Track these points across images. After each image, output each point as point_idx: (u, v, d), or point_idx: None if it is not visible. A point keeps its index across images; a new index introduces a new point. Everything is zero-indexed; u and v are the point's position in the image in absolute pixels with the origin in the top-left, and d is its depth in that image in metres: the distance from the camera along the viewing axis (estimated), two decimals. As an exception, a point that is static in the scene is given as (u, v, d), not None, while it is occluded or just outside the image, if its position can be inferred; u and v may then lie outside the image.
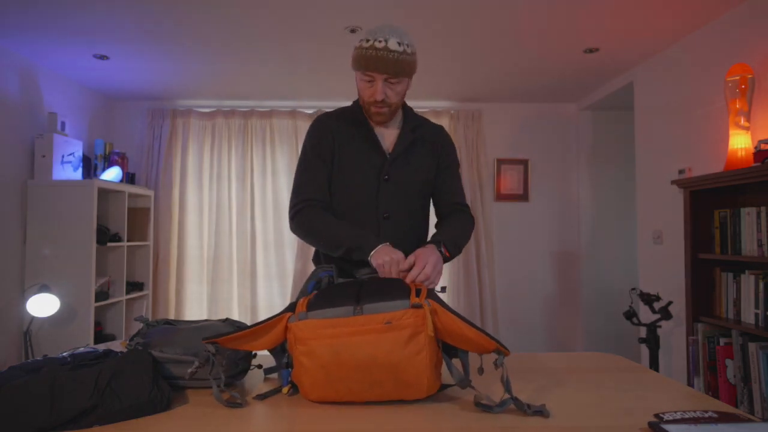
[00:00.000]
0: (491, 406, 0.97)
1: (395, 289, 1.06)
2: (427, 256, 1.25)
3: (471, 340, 1.01)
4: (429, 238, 1.44)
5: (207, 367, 1.06)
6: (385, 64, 1.38)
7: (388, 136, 1.53)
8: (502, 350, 0.99)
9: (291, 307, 1.06)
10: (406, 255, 1.32)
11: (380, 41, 1.38)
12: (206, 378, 1.09)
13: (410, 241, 1.51)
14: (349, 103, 4.57)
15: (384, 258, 1.25)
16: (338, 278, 1.23)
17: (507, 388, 0.98)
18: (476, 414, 0.96)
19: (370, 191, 1.48)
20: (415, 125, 1.55)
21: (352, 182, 1.49)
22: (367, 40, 1.40)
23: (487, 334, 1.00)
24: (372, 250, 1.29)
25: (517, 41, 3.26)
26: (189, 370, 1.03)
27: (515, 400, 0.97)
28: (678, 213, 3.26)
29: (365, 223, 1.48)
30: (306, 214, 1.44)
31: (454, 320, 1.01)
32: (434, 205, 1.61)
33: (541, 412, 0.95)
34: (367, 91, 1.44)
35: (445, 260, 1.36)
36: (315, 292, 1.12)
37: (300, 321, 1.01)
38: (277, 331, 1.05)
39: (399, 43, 1.39)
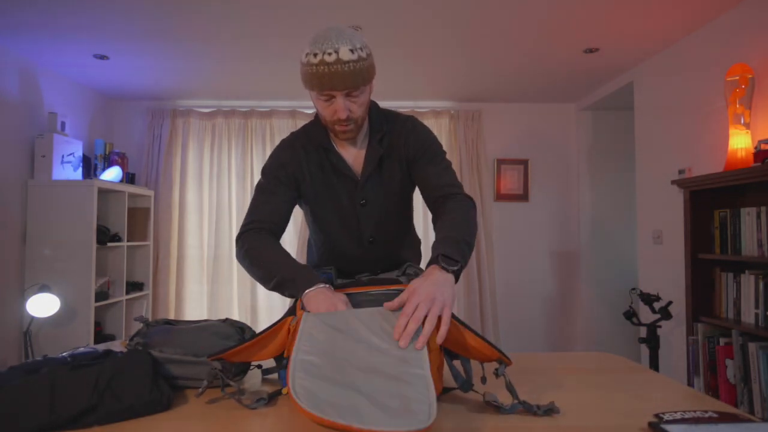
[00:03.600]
0: (501, 406, 0.95)
1: (398, 294, 1.05)
2: (418, 293, 0.98)
3: (473, 348, 0.98)
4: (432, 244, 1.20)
5: (216, 382, 1.04)
6: (341, 79, 1.17)
7: (355, 155, 1.37)
8: (504, 360, 0.97)
9: (292, 311, 1.06)
10: (397, 265, 1.36)
11: (330, 53, 1.16)
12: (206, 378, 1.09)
13: (397, 256, 1.52)
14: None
15: (319, 306, 1.02)
16: (337, 280, 1.22)
17: (514, 394, 0.96)
18: (477, 414, 0.96)
19: (350, 219, 1.41)
20: (381, 135, 1.36)
21: (330, 212, 1.41)
22: (315, 54, 1.17)
23: (490, 343, 0.98)
24: (306, 289, 1.07)
25: (517, 41, 3.26)
26: (199, 391, 1.02)
27: (524, 403, 0.95)
28: (678, 213, 3.26)
29: (351, 249, 1.45)
30: (247, 238, 1.26)
31: (456, 327, 0.98)
32: (424, 201, 1.37)
33: (551, 410, 0.94)
34: (327, 111, 1.25)
35: (459, 271, 1.08)
36: None
37: None
38: (281, 337, 1.03)
39: (352, 50, 1.17)
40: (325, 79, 1.18)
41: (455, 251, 1.10)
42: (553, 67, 3.76)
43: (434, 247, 1.13)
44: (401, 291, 1.02)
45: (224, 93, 4.36)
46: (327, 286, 1.08)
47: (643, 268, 3.69)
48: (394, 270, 1.49)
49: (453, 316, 0.99)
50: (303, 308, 1.00)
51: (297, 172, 1.36)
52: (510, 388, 0.97)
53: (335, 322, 0.94)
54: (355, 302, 1.06)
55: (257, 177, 4.48)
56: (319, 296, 1.05)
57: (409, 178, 1.42)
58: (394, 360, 0.86)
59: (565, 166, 4.72)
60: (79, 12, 2.80)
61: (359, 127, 1.31)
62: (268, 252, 1.21)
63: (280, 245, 1.25)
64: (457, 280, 1.07)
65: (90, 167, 3.96)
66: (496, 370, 0.97)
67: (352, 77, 1.18)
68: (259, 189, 1.34)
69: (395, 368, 0.85)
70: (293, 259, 1.19)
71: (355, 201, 1.39)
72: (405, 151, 1.38)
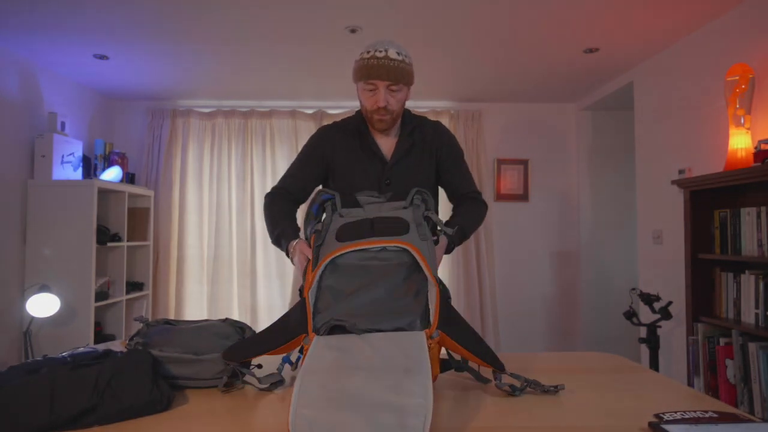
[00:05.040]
0: (513, 388, 1.07)
1: (397, 251, 1.09)
2: None
3: (470, 358, 1.09)
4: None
5: (224, 372, 1.12)
6: (386, 71, 1.47)
7: (387, 144, 1.61)
8: (499, 371, 1.09)
9: (303, 327, 1.05)
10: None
11: (380, 51, 1.48)
12: (206, 378, 1.09)
13: None
14: (349, 106, 4.59)
15: (299, 257, 1.36)
16: (341, 207, 1.24)
17: (521, 378, 1.09)
18: (475, 414, 0.96)
19: None
20: (412, 129, 1.61)
21: (354, 189, 1.51)
22: (368, 52, 1.50)
23: (488, 359, 1.08)
24: (292, 240, 1.42)
25: (517, 41, 3.26)
26: (221, 386, 1.10)
27: (533, 381, 1.08)
28: (678, 213, 3.26)
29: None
30: (270, 196, 1.60)
31: (458, 348, 1.06)
32: (448, 199, 1.68)
33: (556, 388, 1.08)
34: (370, 100, 1.52)
35: (451, 245, 1.44)
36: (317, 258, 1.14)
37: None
38: (291, 346, 1.10)
39: (398, 53, 1.49)
40: (373, 70, 1.48)
41: (457, 231, 1.48)
42: (553, 67, 3.76)
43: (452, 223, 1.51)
44: (402, 249, 1.08)
45: (224, 93, 4.36)
46: (304, 240, 1.34)
47: (643, 268, 3.69)
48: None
49: (461, 329, 1.07)
50: (314, 327, 1.04)
51: (327, 152, 1.61)
52: (515, 375, 1.08)
53: (343, 344, 0.98)
54: (355, 258, 1.10)
55: (257, 177, 4.50)
56: (299, 244, 1.38)
57: (435, 172, 1.64)
58: (397, 371, 0.89)
59: (565, 166, 4.72)
60: (79, 12, 2.80)
61: (394, 120, 1.57)
62: (277, 211, 1.53)
63: (289, 208, 1.57)
64: (449, 251, 1.44)
65: (90, 167, 3.96)
66: (496, 383, 1.09)
67: (394, 71, 1.48)
68: (293, 162, 1.65)
69: (396, 378, 0.87)
70: (292, 220, 1.52)
71: (381, 181, 1.56)
72: (437, 148, 1.64)
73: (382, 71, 1.47)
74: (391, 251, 1.09)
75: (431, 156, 1.63)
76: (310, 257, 1.16)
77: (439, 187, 1.70)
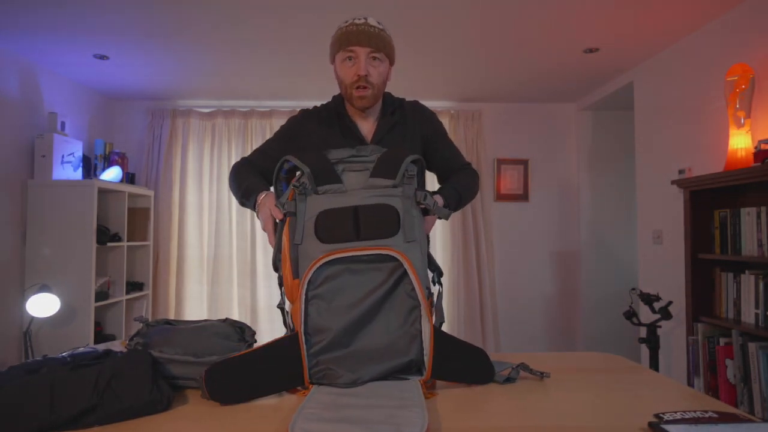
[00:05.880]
0: (509, 377, 1.12)
1: (384, 257, 1.06)
2: None
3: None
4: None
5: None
6: (366, 37, 1.38)
7: (367, 126, 1.51)
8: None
9: (300, 378, 1.05)
10: None
11: (359, 19, 1.41)
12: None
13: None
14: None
15: (264, 213, 1.26)
16: (316, 185, 1.12)
17: (513, 366, 1.14)
18: (473, 414, 0.96)
19: None
20: (393, 110, 1.53)
21: None
22: (346, 22, 1.42)
23: (477, 379, 1.11)
24: (261, 192, 1.33)
25: (518, 41, 3.26)
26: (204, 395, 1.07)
27: (522, 365, 1.15)
28: (678, 213, 3.26)
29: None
30: (237, 165, 1.53)
31: (448, 381, 1.10)
32: (438, 179, 1.61)
33: (542, 374, 1.15)
34: (349, 72, 1.41)
35: (445, 209, 1.30)
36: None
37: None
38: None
39: (378, 23, 1.42)
40: (352, 36, 1.38)
41: (451, 193, 1.44)
42: (553, 67, 3.76)
43: (443, 188, 1.47)
44: (388, 255, 1.06)
45: (224, 93, 4.36)
46: (270, 193, 1.32)
47: (643, 268, 3.69)
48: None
49: (442, 375, 1.08)
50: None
51: (301, 141, 1.50)
52: (500, 363, 1.15)
53: (340, 391, 1.01)
54: (341, 261, 1.06)
55: (257, 177, 4.49)
56: (267, 198, 1.28)
57: (422, 151, 1.55)
58: (392, 404, 0.93)
59: (565, 166, 4.72)
60: (79, 12, 2.80)
61: (375, 97, 1.44)
62: (243, 173, 1.47)
63: (254, 172, 1.49)
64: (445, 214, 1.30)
65: (90, 167, 3.96)
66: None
67: (375, 38, 1.39)
68: (268, 141, 1.56)
69: (392, 408, 0.92)
70: (257, 178, 1.44)
71: None
72: (420, 123, 1.55)
73: (363, 37, 1.38)
74: (380, 254, 1.05)
75: (415, 134, 1.53)
76: (277, 218, 1.14)
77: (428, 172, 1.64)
